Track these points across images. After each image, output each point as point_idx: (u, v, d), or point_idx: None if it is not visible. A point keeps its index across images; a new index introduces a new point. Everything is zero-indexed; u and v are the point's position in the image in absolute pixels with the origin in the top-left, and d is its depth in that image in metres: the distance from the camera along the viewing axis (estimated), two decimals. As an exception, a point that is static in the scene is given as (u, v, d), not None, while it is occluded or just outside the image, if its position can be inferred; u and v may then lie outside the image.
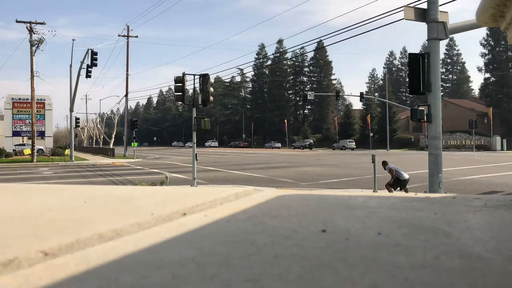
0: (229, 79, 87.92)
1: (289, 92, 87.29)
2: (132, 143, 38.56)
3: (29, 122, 38.47)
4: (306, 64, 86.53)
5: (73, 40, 34.65)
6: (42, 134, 44.10)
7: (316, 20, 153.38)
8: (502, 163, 26.10)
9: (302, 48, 67.61)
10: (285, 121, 74.60)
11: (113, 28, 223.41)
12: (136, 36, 43.40)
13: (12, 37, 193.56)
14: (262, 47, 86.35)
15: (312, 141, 66.00)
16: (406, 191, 11.78)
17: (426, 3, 10.60)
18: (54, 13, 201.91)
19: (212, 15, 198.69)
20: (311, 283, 0.97)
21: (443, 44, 59.40)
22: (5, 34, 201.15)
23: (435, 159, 10.54)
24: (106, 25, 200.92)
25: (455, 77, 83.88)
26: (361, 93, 42.94)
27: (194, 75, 16.16)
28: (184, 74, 15.61)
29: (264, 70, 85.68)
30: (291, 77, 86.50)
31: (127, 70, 41.91)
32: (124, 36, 41.08)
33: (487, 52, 61.28)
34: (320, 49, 69.84)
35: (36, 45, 32.60)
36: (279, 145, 73.00)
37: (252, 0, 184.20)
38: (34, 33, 32.68)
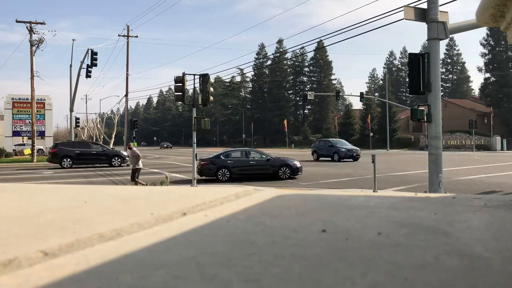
0: (229, 79, 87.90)
1: (289, 92, 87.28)
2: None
3: (29, 122, 38.46)
4: (306, 64, 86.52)
5: (73, 40, 34.70)
6: (42, 134, 44.06)
7: (312, 23, 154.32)
8: (502, 163, 26.11)
9: (302, 48, 67.56)
10: (285, 121, 74.59)
11: (114, 30, 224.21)
12: (136, 36, 43.35)
13: (15, 39, 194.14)
14: (262, 47, 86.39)
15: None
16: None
17: (426, 3, 10.61)
18: (55, 16, 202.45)
19: (211, 18, 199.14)
20: (311, 283, 0.97)
21: (443, 44, 59.43)
22: (8, 36, 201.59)
23: (435, 159, 10.54)
24: (107, 27, 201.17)
25: (455, 77, 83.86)
26: (361, 93, 42.95)
27: (194, 75, 16.18)
28: (184, 74, 15.61)
29: (264, 70, 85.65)
30: (291, 77, 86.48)
31: (127, 70, 41.88)
32: (124, 36, 41.05)
33: (487, 52, 61.26)
34: (320, 49, 69.82)
35: (36, 45, 32.65)
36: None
37: (250, 3, 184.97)
38: (34, 33, 32.71)
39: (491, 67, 60.83)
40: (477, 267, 1.08)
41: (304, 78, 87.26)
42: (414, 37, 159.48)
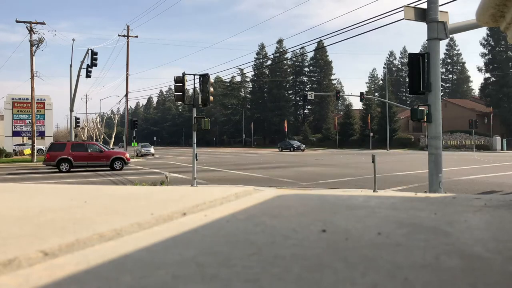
0: (229, 79, 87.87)
1: (289, 92, 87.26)
2: (132, 143, 38.54)
3: (29, 122, 38.46)
4: (306, 64, 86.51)
5: (73, 40, 34.67)
6: (42, 134, 44.07)
7: (312, 24, 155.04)
8: (502, 163, 26.11)
9: (302, 48, 67.61)
10: (285, 121, 74.58)
11: (114, 30, 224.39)
12: (136, 36, 43.41)
13: (15, 39, 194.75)
14: (262, 47, 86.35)
15: None
16: None
17: (426, 3, 10.61)
18: (56, 17, 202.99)
19: (211, 18, 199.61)
20: (311, 283, 0.97)
21: (443, 44, 59.38)
22: (9, 36, 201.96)
23: (435, 159, 10.53)
24: (107, 28, 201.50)
25: (455, 77, 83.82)
26: (361, 93, 42.95)
27: (194, 75, 16.17)
28: (184, 74, 15.60)
29: (264, 70, 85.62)
30: (291, 77, 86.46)
31: (127, 70, 41.90)
32: (124, 36, 41.08)
33: (487, 52, 61.22)
34: (320, 49, 69.83)
35: (36, 45, 32.66)
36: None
37: (250, 4, 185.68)
38: (34, 33, 32.72)
39: (491, 67, 60.79)
40: (477, 267, 1.08)
41: (304, 78, 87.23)
42: (414, 37, 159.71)
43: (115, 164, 24.74)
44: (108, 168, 24.78)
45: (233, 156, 40.58)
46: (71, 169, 23.83)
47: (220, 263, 1.12)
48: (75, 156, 24.01)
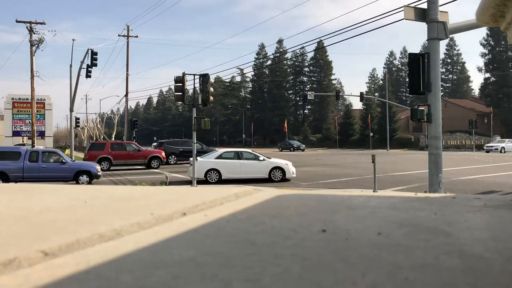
0: (229, 79, 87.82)
1: (289, 92, 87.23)
2: (132, 143, 38.54)
3: (29, 122, 38.48)
4: (306, 64, 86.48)
5: (73, 40, 34.62)
6: (42, 134, 44.12)
7: (310, 24, 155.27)
8: (501, 163, 26.11)
9: (302, 48, 67.57)
10: (285, 121, 74.53)
11: (114, 31, 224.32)
12: (136, 36, 43.30)
13: (15, 40, 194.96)
14: (262, 47, 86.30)
15: None
16: None
17: (426, 3, 10.60)
18: (56, 17, 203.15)
19: (211, 19, 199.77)
20: (311, 283, 0.97)
21: (443, 44, 59.31)
22: (9, 37, 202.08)
23: (435, 159, 10.53)
24: (107, 28, 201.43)
25: (455, 77, 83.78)
26: (361, 93, 42.93)
27: (194, 75, 16.15)
28: (184, 74, 15.59)
29: (264, 70, 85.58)
30: (291, 77, 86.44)
31: (127, 70, 41.85)
32: (124, 36, 41.03)
33: (487, 52, 61.22)
34: (320, 49, 69.81)
35: (36, 45, 32.64)
36: None
37: (249, 5, 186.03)
38: (34, 33, 32.72)
39: (491, 67, 60.80)
40: (477, 267, 1.08)
41: (304, 78, 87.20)
42: (414, 37, 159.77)
43: (152, 162, 25.47)
44: (115, 168, 24.97)
45: (233, 156, 40.52)
46: (111, 168, 24.42)
47: (220, 263, 1.12)
48: (115, 155, 24.51)
